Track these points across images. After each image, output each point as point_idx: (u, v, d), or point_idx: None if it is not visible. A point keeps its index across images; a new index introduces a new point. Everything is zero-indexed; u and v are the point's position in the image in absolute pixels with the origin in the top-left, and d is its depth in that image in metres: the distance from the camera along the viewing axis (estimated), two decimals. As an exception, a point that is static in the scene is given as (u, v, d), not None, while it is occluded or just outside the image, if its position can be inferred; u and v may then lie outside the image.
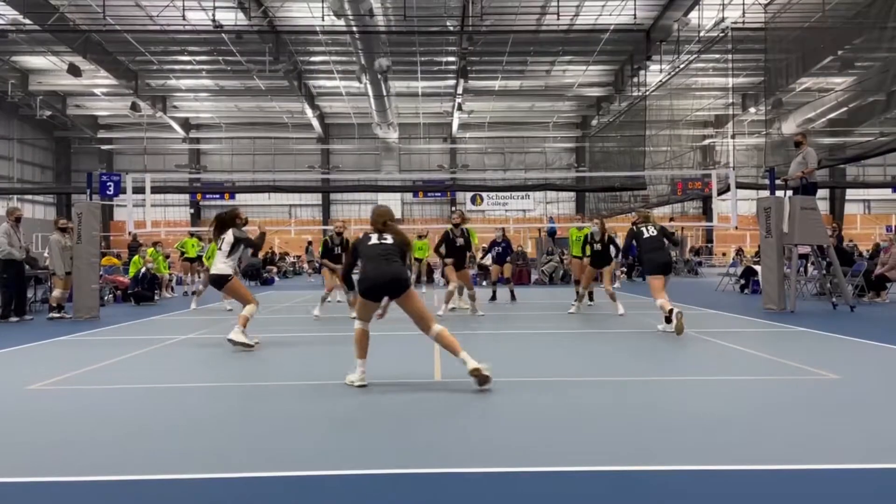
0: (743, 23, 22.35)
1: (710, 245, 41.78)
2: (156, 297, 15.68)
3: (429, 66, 31.41)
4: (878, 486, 3.31)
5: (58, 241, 12.01)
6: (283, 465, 3.61)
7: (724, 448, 3.87)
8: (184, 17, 23.07)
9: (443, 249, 11.46)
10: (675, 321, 8.33)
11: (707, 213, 37.85)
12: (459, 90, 32.05)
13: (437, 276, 14.40)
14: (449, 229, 11.60)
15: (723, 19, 22.98)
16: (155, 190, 14.70)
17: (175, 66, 31.60)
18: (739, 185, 18.06)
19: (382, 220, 6.00)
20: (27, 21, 23.30)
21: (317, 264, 25.06)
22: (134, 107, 32.42)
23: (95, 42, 26.84)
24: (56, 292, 11.90)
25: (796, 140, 12.75)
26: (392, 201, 41.20)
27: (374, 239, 5.90)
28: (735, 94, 33.35)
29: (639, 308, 12.19)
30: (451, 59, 29.94)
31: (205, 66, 31.42)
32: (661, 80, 26.49)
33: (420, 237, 15.40)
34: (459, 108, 34.51)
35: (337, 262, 11.22)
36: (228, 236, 8.11)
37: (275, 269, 27.94)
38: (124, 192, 13.38)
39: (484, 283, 21.76)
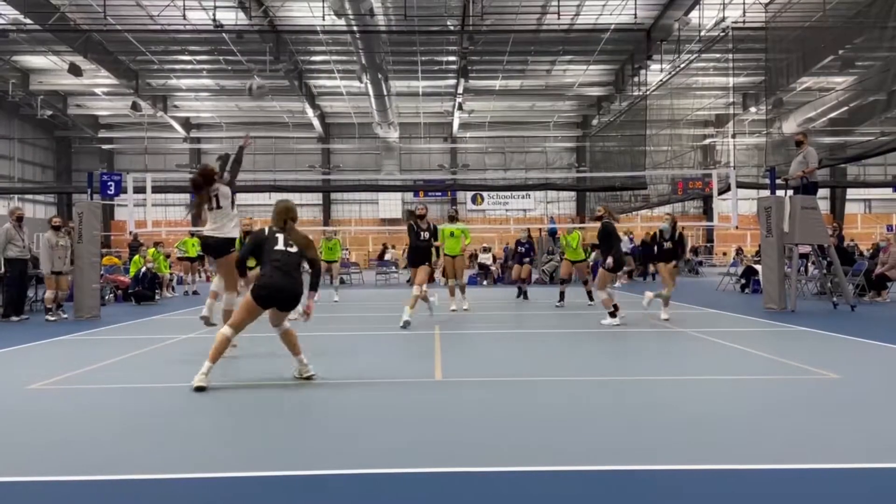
0: (743, 22, 22.32)
1: (710, 245, 41.78)
2: (156, 297, 15.71)
3: (429, 66, 31.41)
4: (878, 486, 3.31)
5: (48, 240, 11.36)
6: (284, 465, 3.61)
7: (724, 448, 3.87)
8: (184, 17, 23.09)
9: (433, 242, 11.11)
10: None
11: (708, 212, 37.87)
12: (460, 90, 32.04)
13: (436, 275, 14.26)
14: (412, 221, 11.20)
15: (723, 19, 22.96)
16: (156, 190, 14.68)
17: (176, 65, 31.61)
18: (740, 185, 18.05)
19: (283, 219, 5.70)
20: (28, 21, 23.29)
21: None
22: (135, 106, 32.41)
23: (96, 42, 26.84)
24: (48, 293, 11.37)
25: (797, 139, 12.74)
26: (392, 201, 41.32)
27: (280, 243, 5.60)
28: (736, 94, 33.38)
29: (637, 308, 12.16)
30: (452, 58, 29.93)
31: (205, 66, 31.44)
32: (661, 80, 26.45)
33: (328, 238, 15.30)
34: (460, 108, 34.49)
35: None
36: (222, 188, 7.11)
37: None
38: (125, 192, 13.35)
39: (484, 282, 21.79)
